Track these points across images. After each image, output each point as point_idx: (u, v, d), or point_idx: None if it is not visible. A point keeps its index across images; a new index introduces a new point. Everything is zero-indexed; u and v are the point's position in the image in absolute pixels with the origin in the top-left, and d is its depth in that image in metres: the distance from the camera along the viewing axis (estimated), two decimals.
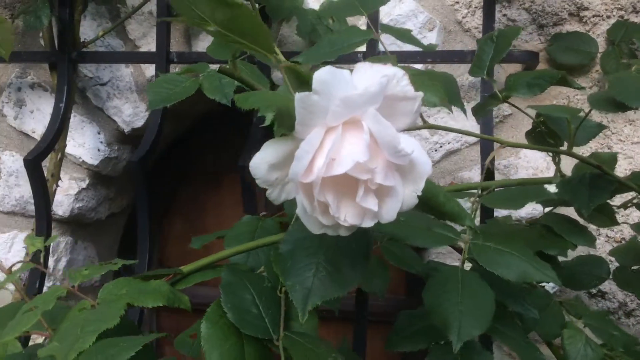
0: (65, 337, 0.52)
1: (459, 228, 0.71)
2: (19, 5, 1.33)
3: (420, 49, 0.80)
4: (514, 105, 0.81)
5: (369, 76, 0.42)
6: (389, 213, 0.44)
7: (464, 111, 0.67)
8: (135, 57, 1.24)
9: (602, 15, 1.17)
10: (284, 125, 0.42)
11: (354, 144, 0.42)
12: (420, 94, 0.43)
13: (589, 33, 1.17)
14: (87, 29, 1.31)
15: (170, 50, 1.18)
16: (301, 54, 0.73)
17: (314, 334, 0.60)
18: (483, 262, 0.68)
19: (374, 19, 0.91)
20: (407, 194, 0.44)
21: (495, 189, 0.83)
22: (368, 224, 0.44)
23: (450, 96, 0.65)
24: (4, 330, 0.57)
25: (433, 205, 0.47)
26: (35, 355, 0.57)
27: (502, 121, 1.20)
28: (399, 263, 0.90)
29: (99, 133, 1.32)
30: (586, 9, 1.16)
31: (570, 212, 0.85)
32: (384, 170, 0.42)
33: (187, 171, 1.56)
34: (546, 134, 0.81)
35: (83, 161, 1.32)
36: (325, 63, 0.49)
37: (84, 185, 1.33)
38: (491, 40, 0.82)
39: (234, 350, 0.55)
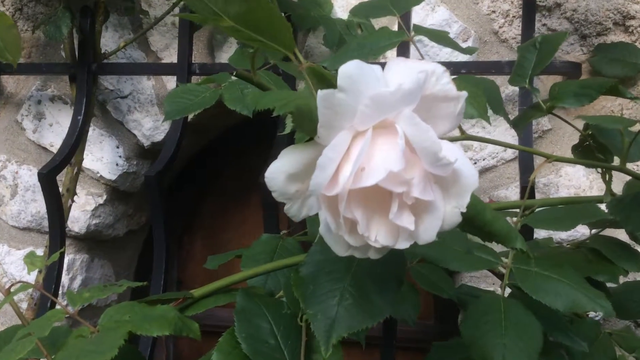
0: None
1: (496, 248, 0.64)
2: (42, 17, 1.30)
3: (454, 60, 0.74)
4: (558, 117, 0.74)
5: (403, 72, 0.36)
6: (428, 233, 0.37)
7: (509, 121, 0.60)
8: (156, 69, 1.20)
9: None
10: (305, 128, 0.36)
11: (387, 150, 0.35)
12: (464, 93, 0.37)
13: (635, 44, 1.10)
14: (109, 41, 1.27)
15: (193, 62, 1.14)
16: (327, 59, 0.67)
17: None
18: (528, 289, 0.61)
19: (406, 22, 0.85)
20: (449, 211, 0.38)
21: (537, 209, 0.75)
22: (403, 245, 0.38)
23: (493, 105, 0.58)
24: None
25: (478, 224, 0.41)
26: None
27: (540, 136, 1.12)
28: (430, 287, 0.83)
29: (117, 147, 1.28)
30: (632, 17, 1.09)
31: (618, 234, 0.77)
32: (422, 182, 0.36)
33: (209, 187, 1.51)
34: (595, 148, 0.74)
35: (101, 176, 1.28)
36: None
37: (101, 201, 1.29)
38: (534, 46, 0.75)
39: None
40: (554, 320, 0.67)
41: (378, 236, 0.37)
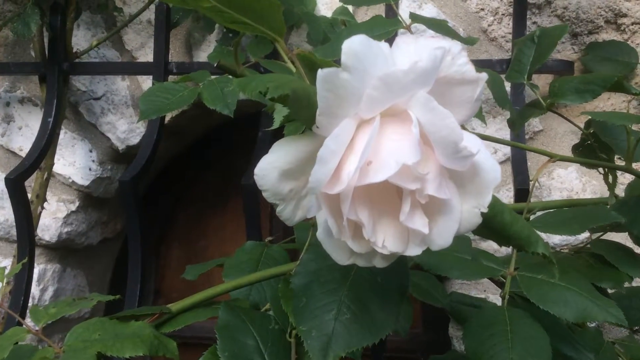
0: None
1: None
2: (10, 14, 1.23)
3: None
4: (559, 114, 0.70)
5: (415, 51, 0.31)
6: (443, 236, 0.33)
7: (513, 113, 0.56)
8: (131, 68, 1.14)
9: None
10: (301, 116, 0.31)
11: (398, 140, 0.30)
12: (484, 75, 0.32)
13: (628, 42, 1.07)
14: (81, 40, 1.21)
15: (170, 61, 1.08)
16: (317, 49, 0.62)
17: None
18: (535, 298, 0.56)
19: (394, 16, 0.81)
20: (467, 211, 0.33)
21: (539, 212, 0.71)
22: (414, 251, 0.33)
23: (498, 98, 0.54)
24: None
25: (496, 226, 0.36)
26: None
27: (532, 138, 1.09)
28: (423, 296, 0.79)
29: (90, 151, 1.22)
30: (624, 15, 1.06)
31: (613, 238, 0.73)
32: (437, 178, 0.31)
33: (187, 193, 1.45)
34: (597, 148, 0.70)
35: (73, 181, 1.21)
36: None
37: (73, 207, 1.22)
38: (531, 41, 0.71)
39: None
40: (559, 331, 0.63)
41: (386, 241, 0.32)
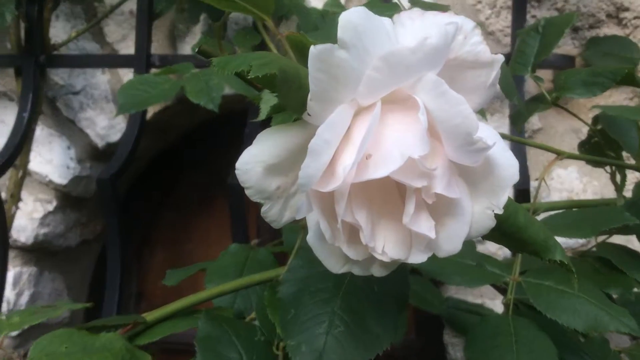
0: None
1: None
2: None
3: None
4: (565, 109, 0.66)
5: (422, 28, 0.27)
6: (451, 242, 0.28)
7: (521, 106, 0.51)
8: (111, 61, 1.09)
9: None
10: (290, 102, 0.27)
11: (403, 130, 0.26)
12: (500, 57, 0.28)
13: (630, 37, 1.03)
14: (60, 31, 1.16)
15: (152, 53, 1.03)
16: (310, 34, 0.58)
17: None
18: (542, 307, 0.52)
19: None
20: (478, 212, 0.29)
21: (544, 213, 0.67)
22: (418, 258, 0.28)
23: (506, 89, 0.49)
24: None
25: (510, 229, 0.32)
26: None
27: (531, 136, 1.05)
28: (419, 302, 0.75)
29: (69, 148, 1.17)
30: (627, 9, 1.02)
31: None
32: (446, 174, 0.27)
33: (172, 193, 1.40)
34: (605, 145, 0.66)
35: (50, 180, 1.15)
36: None
37: (50, 207, 1.17)
38: (536, 31, 0.67)
39: None
40: (565, 341, 0.59)
41: (386, 247, 0.28)
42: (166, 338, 0.48)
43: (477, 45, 0.27)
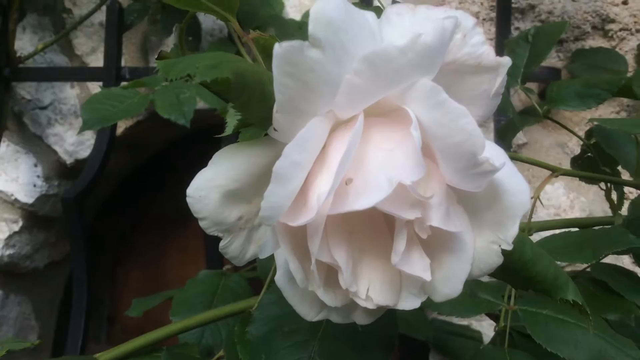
0: None
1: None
2: None
3: None
4: (558, 123, 0.62)
5: (412, 25, 0.22)
6: (450, 283, 0.23)
7: (516, 117, 0.47)
8: (79, 74, 1.04)
9: (631, 30, 1.00)
10: (252, 114, 0.22)
11: (390, 150, 0.21)
12: (507, 60, 0.23)
13: (616, 49, 1.00)
14: (27, 44, 1.10)
15: (123, 66, 0.98)
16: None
17: None
18: (540, 339, 0.48)
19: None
20: (482, 248, 0.24)
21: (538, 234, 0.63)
22: (410, 303, 0.24)
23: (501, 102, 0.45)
24: None
25: (513, 265, 0.27)
26: None
27: (515, 151, 1.01)
28: (405, 328, 0.70)
29: (35, 165, 1.10)
30: (612, 21, 0.99)
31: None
32: (444, 203, 0.22)
33: (146, 211, 1.34)
34: (600, 160, 0.62)
35: (16, 199, 1.09)
36: None
37: (16, 227, 1.10)
38: (525, 40, 0.63)
39: None
40: None
41: (371, 290, 0.23)
42: None
43: (478, 46, 0.23)
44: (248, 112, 0.22)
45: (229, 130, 0.35)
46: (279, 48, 0.19)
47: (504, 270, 0.28)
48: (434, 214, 0.21)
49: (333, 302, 0.23)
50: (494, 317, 0.59)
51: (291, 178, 0.20)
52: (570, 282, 0.28)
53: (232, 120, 0.34)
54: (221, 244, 0.24)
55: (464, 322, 1.01)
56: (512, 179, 0.23)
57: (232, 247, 0.24)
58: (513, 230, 0.23)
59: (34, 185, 1.10)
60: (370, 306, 0.23)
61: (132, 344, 0.44)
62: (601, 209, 1.01)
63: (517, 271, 0.28)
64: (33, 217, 1.13)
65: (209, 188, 0.23)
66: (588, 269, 0.68)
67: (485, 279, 0.83)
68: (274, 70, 0.20)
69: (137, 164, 1.27)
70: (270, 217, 0.20)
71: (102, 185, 1.16)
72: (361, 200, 0.20)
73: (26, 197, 1.10)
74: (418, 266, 0.22)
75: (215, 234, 0.24)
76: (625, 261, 0.91)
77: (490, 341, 0.59)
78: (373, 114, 0.22)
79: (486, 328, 0.98)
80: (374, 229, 0.23)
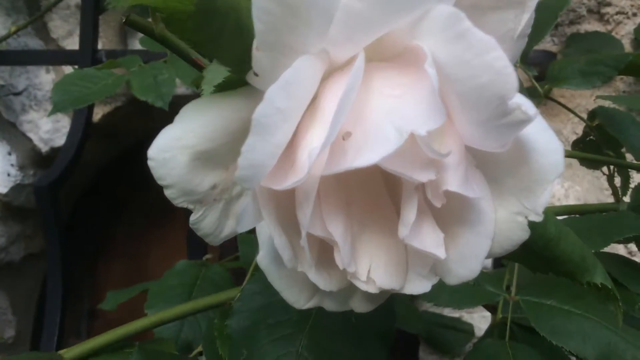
0: None
1: None
2: None
3: None
4: (559, 103, 0.59)
5: None
6: (467, 263, 0.19)
7: (523, 92, 0.43)
8: (53, 57, 0.99)
9: (627, 13, 0.97)
10: (222, 52, 0.18)
11: (398, 95, 0.17)
12: None
13: (612, 33, 0.97)
14: (0, 27, 1.05)
15: (100, 49, 0.93)
16: None
17: None
18: (545, 331, 0.44)
19: None
20: (504, 220, 0.20)
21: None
22: (419, 287, 0.20)
23: None
24: None
25: (536, 243, 0.23)
26: None
27: None
28: (398, 322, 0.66)
29: (9, 154, 1.05)
30: (608, 4, 0.96)
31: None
32: (462, 163, 0.18)
33: (127, 202, 1.29)
34: (603, 143, 0.58)
35: None
36: None
37: None
38: None
39: None
40: None
41: (374, 272, 0.19)
42: None
43: None
44: (219, 51, 0.18)
45: (206, 92, 0.31)
46: None
47: (524, 250, 0.24)
48: (451, 176, 0.17)
49: (327, 285, 0.19)
50: (491, 309, 0.56)
51: (275, 128, 0.16)
52: (599, 264, 0.25)
53: (208, 87, 0.30)
54: (192, 217, 0.20)
55: (455, 314, 0.98)
56: (542, 135, 0.19)
57: (206, 222, 0.20)
58: (544, 198, 0.19)
59: (8, 175, 1.05)
60: (372, 290, 0.19)
61: (100, 339, 0.40)
62: (596, 198, 0.98)
63: (538, 250, 0.24)
64: (7, 208, 1.08)
65: (175, 149, 0.19)
66: None
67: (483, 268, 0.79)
68: None
69: (117, 153, 1.23)
70: (249, 177, 0.16)
71: (81, 175, 1.12)
72: (363, 155, 0.16)
73: (0, 187, 1.05)
74: (430, 241, 0.18)
75: (185, 206, 0.20)
76: (621, 252, 0.89)
77: (485, 334, 0.55)
78: (375, 58, 0.18)
79: (477, 320, 0.95)
80: (375, 202, 0.19)
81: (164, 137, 0.19)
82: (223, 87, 0.28)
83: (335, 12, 0.16)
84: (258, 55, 0.17)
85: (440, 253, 0.18)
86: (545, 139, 0.19)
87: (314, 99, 0.18)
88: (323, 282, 0.19)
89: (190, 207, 0.20)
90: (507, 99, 0.16)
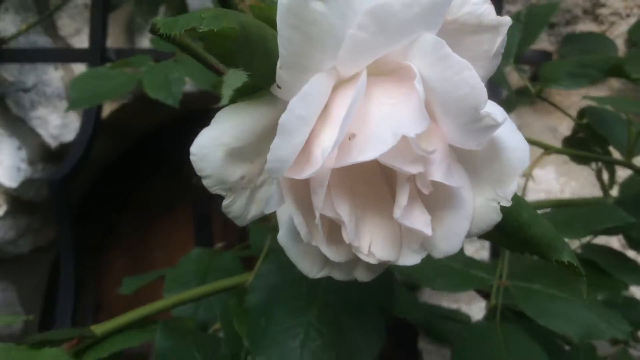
0: None
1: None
2: None
3: None
4: (550, 103, 0.63)
5: None
6: (450, 240, 0.24)
7: (512, 95, 0.48)
8: (64, 55, 1.03)
9: (621, 14, 1.01)
10: (254, 70, 0.22)
11: (393, 105, 0.21)
12: (507, 20, 0.23)
13: (606, 34, 1.01)
14: (10, 25, 1.09)
15: (108, 47, 0.97)
16: None
17: None
18: (531, 312, 0.49)
19: None
20: (481, 205, 0.24)
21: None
22: (410, 259, 0.24)
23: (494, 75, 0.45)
24: None
25: (509, 226, 0.27)
26: None
27: None
28: (397, 310, 0.70)
29: (19, 149, 1.09)
30: (603, 5, 1.00)
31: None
32: (446, 158, 0.22)
33: (133, 196, 1.33)
34: (592, 140, 0.62)
35: None
36: None
37: (0, 212, 1.09)
38: (517, 20, 0.64)
39: None
40: (554, 349, 0.55)
41: (374, 246, 0.23)
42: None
43: (479, 4, 0.23)
44: (251, 70, 0.22)
45: (224, 101, 0.35)
46: (284, 1, 0.19)
47: (500, 232, 0.28)
48: (436, 169, 0.22)
49: (336, 257, 0.23)
50: (485, 296, 0.60)
51: (296, 132, 0.20)
52: (567, 246, 0.29)
53: (227, 91, 0.34)
54: (224, 202, 0.24)
55: (453, 305, 1.03)
56: (511, 136, 0.23)
57: (235, 207, 0.25)
58: (512, 187, 0.24)
59: (18, 169, 1.09)
60: (372, 261, 0.23)
61: (127, 317, 0.44)
62: (591, 194, 1.02)
63: (513, 233, 0.28)
64: (17, 201, 1.12)
65: (213, 146, 0.23)
66: (579, 250, 0.70)
67: (480, 258, 0.84)
68: (278, 22, 0.20)
69: (122, 150, 1.27)
70: (276, 169, 0.20)
71: (87, 171, 1.15)
72: (365, 152, 0.20)
73: (10, 181, 1.09)
74: (419, 221, 0.23)
75: (219, 192, 0.24)
76: (615, 245, 0.93)
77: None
78: (375, 73, 0.23)
79: (475, 311, 0.99)
80: (375, 190, 0.24)
81: (203, 137, 0.23)
82: (241, 90, 0.32)
83: (343, 40, 0.21)
84: (281, 73, 0.21)
85: (428, 231, 0.23)
86: (514, 139, 0.23)
87: (326, 107, 0.22)
88: (332, 254, 0.23)
89: (223, 193, 0.24)
90: (479, 109, 0.20)
